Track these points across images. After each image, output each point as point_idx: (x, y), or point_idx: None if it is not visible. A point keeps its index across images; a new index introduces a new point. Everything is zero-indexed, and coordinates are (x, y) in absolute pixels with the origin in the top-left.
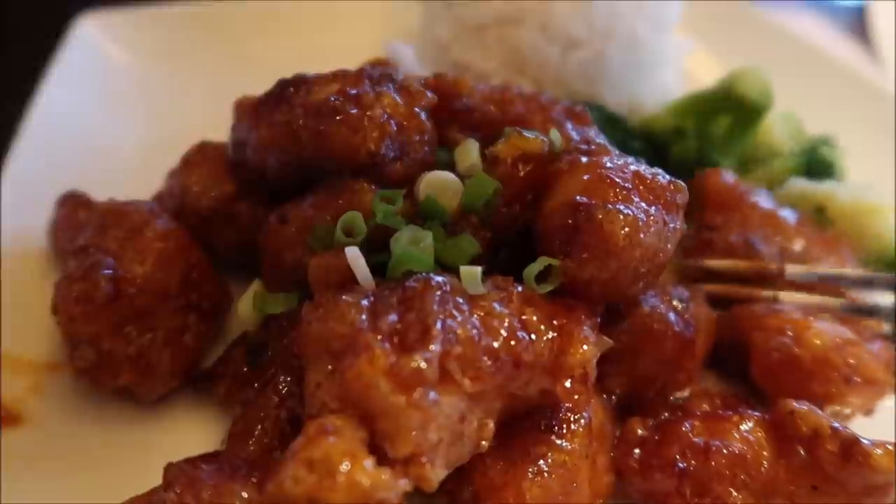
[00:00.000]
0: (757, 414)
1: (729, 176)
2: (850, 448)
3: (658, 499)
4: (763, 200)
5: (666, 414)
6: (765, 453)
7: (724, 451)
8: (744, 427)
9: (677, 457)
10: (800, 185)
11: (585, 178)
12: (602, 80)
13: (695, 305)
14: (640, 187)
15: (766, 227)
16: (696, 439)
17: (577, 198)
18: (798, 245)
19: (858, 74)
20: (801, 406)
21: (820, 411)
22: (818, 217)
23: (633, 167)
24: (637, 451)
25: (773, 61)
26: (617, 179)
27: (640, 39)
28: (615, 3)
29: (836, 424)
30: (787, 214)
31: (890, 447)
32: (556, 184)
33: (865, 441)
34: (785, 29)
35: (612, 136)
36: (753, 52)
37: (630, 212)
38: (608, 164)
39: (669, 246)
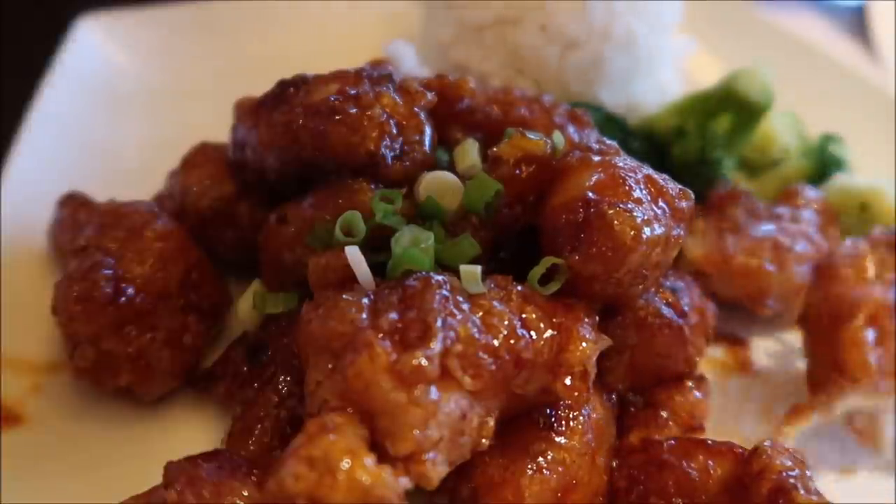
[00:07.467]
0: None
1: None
2: (778, 494)
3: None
4: None
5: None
6: (711, 482)
7: (677, 469)
8: (712, 455)
9: (636, 465)
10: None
11: (597, 175)
12: (601, 80)
13: (692, 297)
14: (651, 190)
15: None
16: (665, 455)
17: (588, 194)
18: None
19: (858, 74)
20: (769, 444)
21: (786, 456)
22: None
23: (645, 170)
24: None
25: (773, 61)
26: (629, 180)
27: (639, 40)
28: (614, 4)
29: (790, 474)
30: None
31: None
32: (564, 179)
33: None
34: (785, 29)
35: (611, 137)
36: (753, 52)
37: (640, 213)
38: (621, 165)
39: (672, 252)
